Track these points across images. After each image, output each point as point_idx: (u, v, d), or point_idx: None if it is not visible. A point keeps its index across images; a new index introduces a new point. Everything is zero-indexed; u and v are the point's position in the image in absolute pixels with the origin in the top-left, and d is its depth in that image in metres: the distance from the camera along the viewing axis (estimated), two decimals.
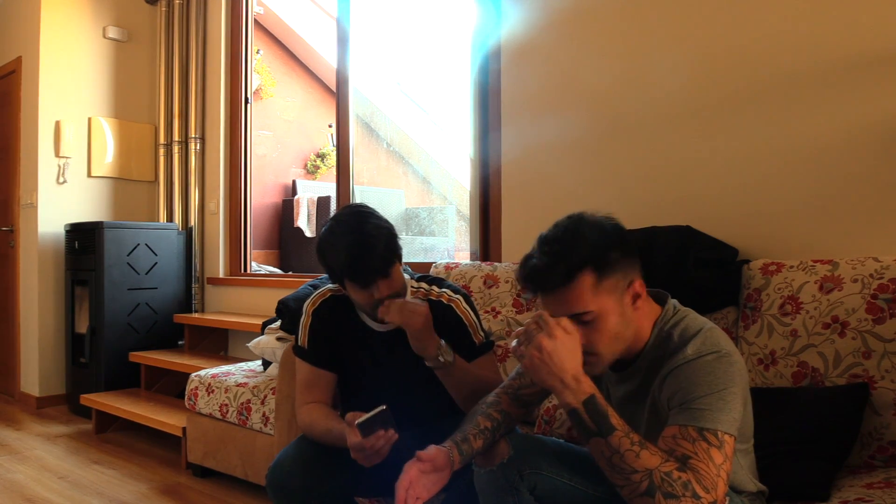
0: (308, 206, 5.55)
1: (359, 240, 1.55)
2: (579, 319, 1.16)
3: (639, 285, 1.21)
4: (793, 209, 2.02)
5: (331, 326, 1.74)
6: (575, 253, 1.14)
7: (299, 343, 1.76)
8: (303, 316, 1.77)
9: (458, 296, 1.73)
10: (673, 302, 1.29)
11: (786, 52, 2.03)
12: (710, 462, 1.05)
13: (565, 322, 1.13)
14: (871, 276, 1.63)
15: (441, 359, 1.56)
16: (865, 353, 1.59)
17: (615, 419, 1.09)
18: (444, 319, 1.68)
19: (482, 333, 1.71)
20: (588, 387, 1.11)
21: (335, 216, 1.64)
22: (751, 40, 2.10)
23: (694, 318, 1.24)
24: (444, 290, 1.73)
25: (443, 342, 1.57)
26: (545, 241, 1.18)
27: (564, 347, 1.11)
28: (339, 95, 3.65)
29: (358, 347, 1.73)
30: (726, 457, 1.07)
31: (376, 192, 5.89)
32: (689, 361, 1.14)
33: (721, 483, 1.05)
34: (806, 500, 1.39)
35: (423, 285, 1.74)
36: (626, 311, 1.19)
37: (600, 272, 1.15)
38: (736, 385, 1.12)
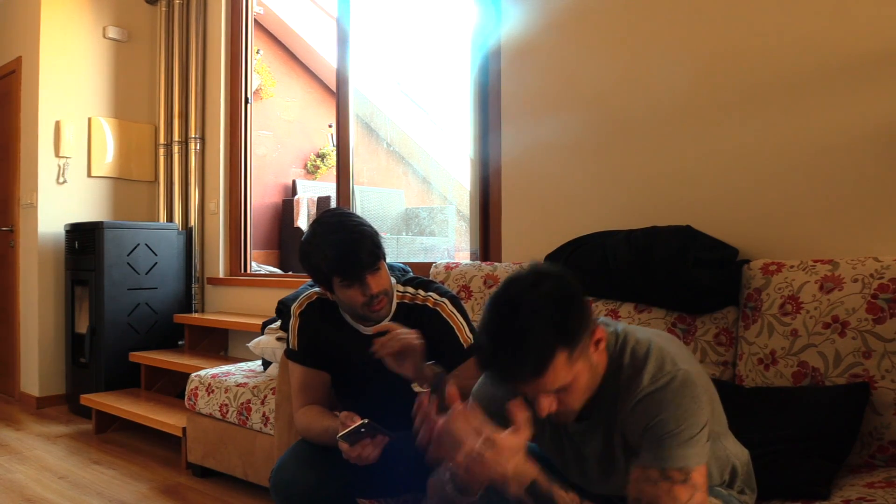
0: (308, 206, 5.55)
1: (345, 237, 1.56)
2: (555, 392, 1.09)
3: (599, 330, 1.11)
4: (793, 209, 2.02)
5: (319, 327, 1.74)
6: (540, 340, 1.02)
7: (290, 346, 1.76)
8: (291, 319, 1.77)
9: (443, 299, 1.70)
10: (604, 320, 1.20)
11: (786, 52, 2.03)
12: (674, 502, 1.03)
13: (505, 436, 1.07)
14: (871, 275, 1.63)
15: (436, 371, 1.53)
16: (865, 353, 1.59)
17: (559, 494, 1.07)
18: (430, 324, 1.67)
19: (470, 336, 1.69)
20: (530, 472, 1.08)
21: (315, 221, 1.64)
22: (751, 41, 2.10)
23: (635, 335, 1.15)
24: (430, 293, 1.71)
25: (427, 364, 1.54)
26: (501, 335, 1.05)
27: (504, 453, 1.06)
28: (339, 95, 3.65)
29: (348, 349, 1.72)
30: (695, 486, 1.04)
31: (376, 192, 5.88)
32: (648, 395, 1.08)
33: None
34: (807, 498, 1.39)
35: (409, 289, 1.73)
36: (592, 361, 1.11)
37: (571, 347, 1.05)
38: (700, 409, 1.07)
